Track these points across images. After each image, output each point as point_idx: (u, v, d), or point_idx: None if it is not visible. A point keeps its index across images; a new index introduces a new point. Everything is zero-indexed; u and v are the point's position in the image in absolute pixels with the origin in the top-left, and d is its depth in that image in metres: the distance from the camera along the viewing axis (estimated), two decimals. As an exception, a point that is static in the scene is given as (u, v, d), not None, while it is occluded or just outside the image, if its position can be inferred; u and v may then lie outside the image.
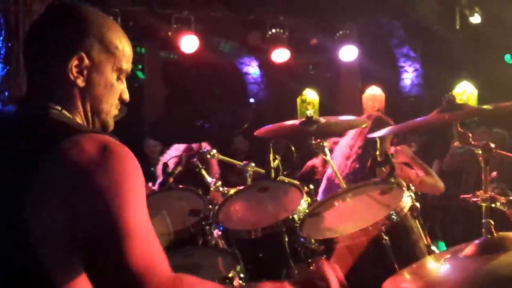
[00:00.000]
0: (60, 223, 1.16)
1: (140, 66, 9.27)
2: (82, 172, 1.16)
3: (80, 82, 1.33)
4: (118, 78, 1.41)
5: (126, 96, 1.46)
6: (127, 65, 1.42)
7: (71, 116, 1.33)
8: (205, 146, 3.40)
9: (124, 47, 1.40)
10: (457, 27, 7.07)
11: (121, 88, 1.44)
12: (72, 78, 1.32)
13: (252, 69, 9.96)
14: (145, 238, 1.18)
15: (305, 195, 2.37)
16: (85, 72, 1.33)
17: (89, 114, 1.37)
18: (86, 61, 1.32)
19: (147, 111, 8.54)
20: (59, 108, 1.31)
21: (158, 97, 8.93)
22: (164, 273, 1.20)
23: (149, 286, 1.14)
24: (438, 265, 1.61)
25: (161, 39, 7.88)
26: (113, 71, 1.38)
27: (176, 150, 3.74)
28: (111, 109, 1.42)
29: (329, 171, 3.57)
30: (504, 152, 2.15)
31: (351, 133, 3.52)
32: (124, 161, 1.20)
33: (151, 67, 9.06)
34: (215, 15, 7.56)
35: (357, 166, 3.25)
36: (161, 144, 6.22)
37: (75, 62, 1.31)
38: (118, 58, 1.38)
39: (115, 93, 1.41)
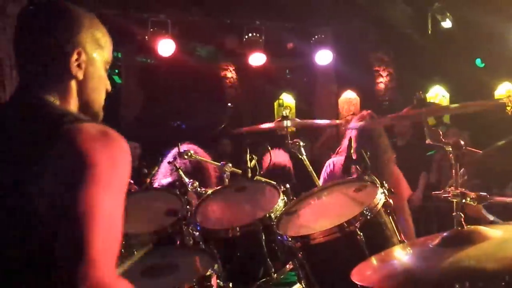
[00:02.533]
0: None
1: (116, 71, 9.20)
2: (85, 152, 1.25)
3: (80, 75, 1.43)
4: (105, 70, 1.52)
5: (109, 86, 1.56)
6: (110, 57, 1.53)
7: (67, 108, 1.41)
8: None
9: (108, 40, 1.51)
10: (429, 32, 7.22)
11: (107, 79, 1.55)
12: (73, 72, 1.41)
13: (229, 73, 9.97)
14: (109, 229, 1.24)
15: (281, 194, 2.40)
16: (83, 66, 1.42)
17: (84, 105, 1.46)
18: (83, 56, 1.42)
19: (124, 116, 8.49)
20: (56, 101, 1.39)
21: (135, 101, 8.87)
22: (112, 272, 1.24)
23: (90, 277, 1.19)
24: (406, 253, 1.66)
25: (138, 43, 7.85)
26: (103, 64, 1.49)
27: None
28: (102, 100, 1.52)
29: (325, 170, 3.65)
30: (472, 149, 2.22)
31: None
32: (122, 147, 1.31)
33: (128, 71, 9.00)
34: (192, 19, 7.55)
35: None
36: (140, 147, 6.21)
37: (75, 56, 1.41)
38: (106, 51, 1.50)
39: (104, 84, 1.52)
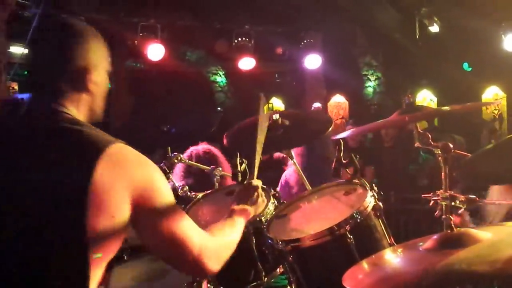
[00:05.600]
0: (121, 204, 1.44)
1: (105, 75, 9.16)
2: (136, 168, 1.48)
3: (95, 90, 1.57)
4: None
5: None
6: (110, 66, 1.65)
7: (80, 119, 1.53)
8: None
9: (107, 51, 1.62)
10: (417, 36, 7.28)
11: None
12: (91, 89, 1.55)
13: (219, 77, 9.98)
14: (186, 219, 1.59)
15: (272, 198, 2.40)
16: (96, 82, 1.56)
17: (93, 113, 1.60)
18: (96, 72, 1.55)
19: (113, 121, 8.45)
20: (71, 112, 1.51)
21: (124, 106, 8.85)
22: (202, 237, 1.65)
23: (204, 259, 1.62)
24: (396, 256, 1.66)
25: (127, 48, 7.83)
26: (107, 74, 1.62)
27: None
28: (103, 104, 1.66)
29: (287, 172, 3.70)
30: (461, 152, 2.24)
31: None
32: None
33: (117, 75, 8.97)
34: (181, 23, 7.56)
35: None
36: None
37: (92, 73, 1.54)
38: (108, 62, 1.62)
39: (106, 91, 1.64)
